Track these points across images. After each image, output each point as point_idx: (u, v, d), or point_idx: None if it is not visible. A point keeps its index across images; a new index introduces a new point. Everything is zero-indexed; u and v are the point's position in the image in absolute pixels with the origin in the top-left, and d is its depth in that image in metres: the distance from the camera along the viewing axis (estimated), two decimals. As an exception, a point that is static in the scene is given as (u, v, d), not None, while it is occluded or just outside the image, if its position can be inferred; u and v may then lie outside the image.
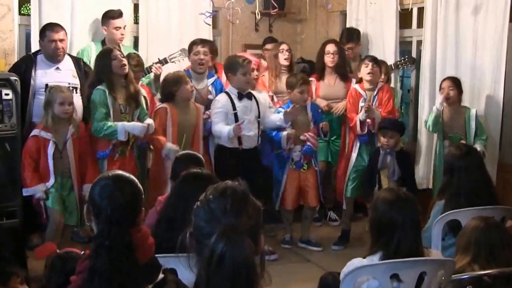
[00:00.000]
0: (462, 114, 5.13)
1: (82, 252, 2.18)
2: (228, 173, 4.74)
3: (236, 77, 4.89)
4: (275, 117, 5.09)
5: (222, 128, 4.83)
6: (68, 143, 4.42)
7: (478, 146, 4.77)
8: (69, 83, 4.87)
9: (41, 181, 4.35)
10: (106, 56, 4.61)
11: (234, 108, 4.89)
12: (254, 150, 5.03)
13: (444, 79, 5.24)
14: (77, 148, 4.47)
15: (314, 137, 5.13)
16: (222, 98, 4.96)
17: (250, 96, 4.98)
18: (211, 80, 5.35)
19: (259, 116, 5.01)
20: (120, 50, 4.77)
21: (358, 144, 5.35)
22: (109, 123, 4.52)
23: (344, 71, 5.79)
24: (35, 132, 4.39)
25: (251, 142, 4.95)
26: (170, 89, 4.85)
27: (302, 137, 5.09)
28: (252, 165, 4.87)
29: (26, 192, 4.36)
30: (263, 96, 5.34)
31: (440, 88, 5.20)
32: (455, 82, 5.13)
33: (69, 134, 4.41)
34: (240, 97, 4.92)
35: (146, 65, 5.42)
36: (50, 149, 4.34)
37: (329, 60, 5.69)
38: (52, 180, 4.36)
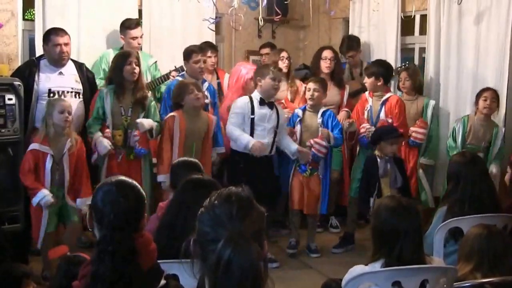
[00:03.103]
0: (489, 130, 5.14)
1: None
2: (237, 177, 4.76)
3: (264, 81, 4.88)
4: (289, 146, 5.04)
5: (242, 135, 4.82)
6: (64, 156, 4.41)
7: (494, 168, 4.93)
8: (72, 88, 4.91)
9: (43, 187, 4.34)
10: (122, 59, 4.72)
11: (252, 112, 4.89)
12: (266, 158, 4.97)
13: (488, 89, 5.14)
14: (73, 161, 4.46)
15: (320, 143, 5.07)
16: (242, 100, 4.96)
17: (271, 106, 4.96)
18: (205, 85, 5.29)
19: (277, 127, 4.98)
20: (137, 58, 4.80)
21: (358, 147, 5.44)
22: (94, 127, 4.66)
23: (339, 78, 5.82)
24: (33, 146, 4.35)
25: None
26: (176, 99, 4.87)
27: (307, 144, 5.09)
28: (262, 172, 4.83)
29: (36, 198, 4.27)
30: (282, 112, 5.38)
31: (480, 96, 5.12)
32: (498, 95, 5.14)
33: (66, 148, 4.41)
34: (262, 103, 4.91)
35: (146, 70, 5.51)
36: (48, 163, 4.33)
37: (325, 65, 5.73)
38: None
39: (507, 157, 4.85)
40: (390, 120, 5.14)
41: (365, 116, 5.34)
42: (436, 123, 5.62)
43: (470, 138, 5.15)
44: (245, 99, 4.97)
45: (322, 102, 5.25)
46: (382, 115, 5.21)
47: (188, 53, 5.23)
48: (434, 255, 3.20)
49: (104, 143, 4.60)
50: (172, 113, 4.87)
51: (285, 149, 5.09)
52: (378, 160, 4.82)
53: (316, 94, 5.13)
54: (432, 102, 5.58)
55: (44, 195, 4.28)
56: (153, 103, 4.92)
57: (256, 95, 4.94)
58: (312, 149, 5.07)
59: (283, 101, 5.63)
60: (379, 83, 5.25)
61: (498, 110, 5.19)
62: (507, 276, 2.69)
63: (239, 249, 1.52)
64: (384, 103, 5.23)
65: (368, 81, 5.29)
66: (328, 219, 6.07)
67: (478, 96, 5.16)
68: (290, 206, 5.24)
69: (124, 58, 4.71)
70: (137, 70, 4.70)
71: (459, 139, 5.18)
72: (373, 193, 4.78)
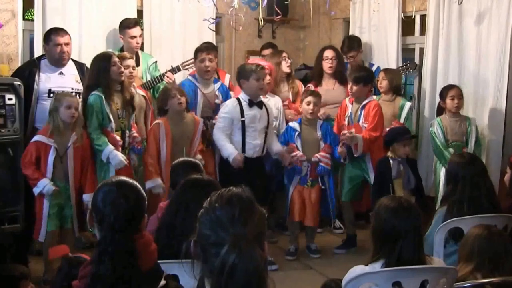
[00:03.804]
0: (463, 123, 5.18)
1: None
2: (230, 180, 4.75)
3: (249, 83, 4.82)
4: (272, 145, 5.06)
5: (226, 145, 4.79)
6: (69, 150, 4.41)
7: None
8: (72, 88, 4.89)
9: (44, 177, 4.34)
10: (105, 61, 4.59)
11: (242, 115, 4.83)
12: (258, 159, 4.96)
13: (452, 87, 5.22)
14: (79, 156, 4.46)
15: (326, 157, 5.07)
16: (231, 104, 4.92)
17: (261, 105, 4.92)
18: (217, 85, 5.37)
19: (267, 127, 4.96)
20: (118, 57, 4.74)
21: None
22: (102, 139, 4.51)
23: (343, 75, 5.81)
24: (38, 138, 4.35)
25: (255, 150, 4.90)
26: (160, 104, 4.89)
27: (313, 159, 5.05)
28: (255, 174, 4.81)
29: (37, 188, 4.28)
30: (275, 100, 5.39)
31: (447, 96, 5.17)
32: (462, 91, 5.20)
33: (71, 141, 4.40)
34: (251, 104, 4.86)
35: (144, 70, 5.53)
36: (51, 155, 4.33)
37: (327, 66, 5.74)
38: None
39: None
40: (366, 125, 5.12)
41: (346, 122, 5.29)
42: (409, 124, 5.56)
43: (450, 136, 5.17)
44: (233, 102, 4.93)
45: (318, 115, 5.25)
46: (361, 119, 5.18)
47: (195, 52, 5.32)
48: (434, 255, 3.20)
49: (119, 157, 4.51)
50: (157, 120, 4.88)
51: (268, 147, 5.07)
52: (391, 161, 4.80)
53: (316, 108, 5.12)
54: (408, 104, 5.56)
55: (45, 184, 4.29)
56: (140, 98, 4.93)
57: (244, 97, 4.89)
58: (320, 164, 5.06)
59: (286, 102, 5.63)
60: (367, 89, 5.23)
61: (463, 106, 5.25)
62: (508, 276, 2.69)
63: (244, 254, 1.50)
64: (363, 107, 5.19)
65: (356, 87, 5.16)
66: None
67: (444, 95, 5.21)
68: (290, 218, 5.22)
69: (107, 60, 4.58)
70: (122, 69, 4.66)
71: (442, 139, 5.17)
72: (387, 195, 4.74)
